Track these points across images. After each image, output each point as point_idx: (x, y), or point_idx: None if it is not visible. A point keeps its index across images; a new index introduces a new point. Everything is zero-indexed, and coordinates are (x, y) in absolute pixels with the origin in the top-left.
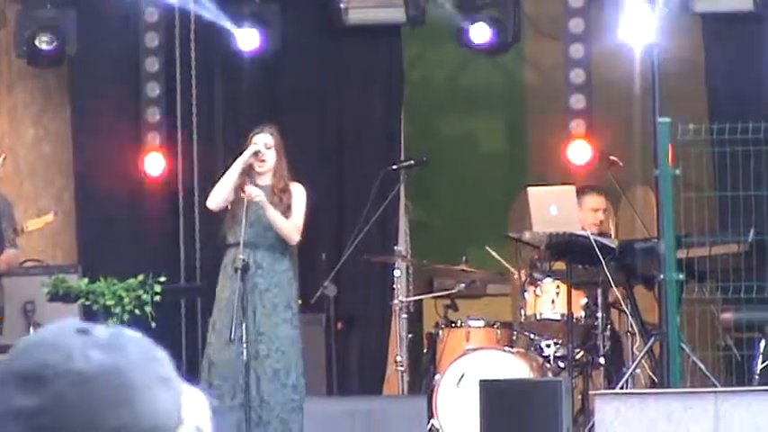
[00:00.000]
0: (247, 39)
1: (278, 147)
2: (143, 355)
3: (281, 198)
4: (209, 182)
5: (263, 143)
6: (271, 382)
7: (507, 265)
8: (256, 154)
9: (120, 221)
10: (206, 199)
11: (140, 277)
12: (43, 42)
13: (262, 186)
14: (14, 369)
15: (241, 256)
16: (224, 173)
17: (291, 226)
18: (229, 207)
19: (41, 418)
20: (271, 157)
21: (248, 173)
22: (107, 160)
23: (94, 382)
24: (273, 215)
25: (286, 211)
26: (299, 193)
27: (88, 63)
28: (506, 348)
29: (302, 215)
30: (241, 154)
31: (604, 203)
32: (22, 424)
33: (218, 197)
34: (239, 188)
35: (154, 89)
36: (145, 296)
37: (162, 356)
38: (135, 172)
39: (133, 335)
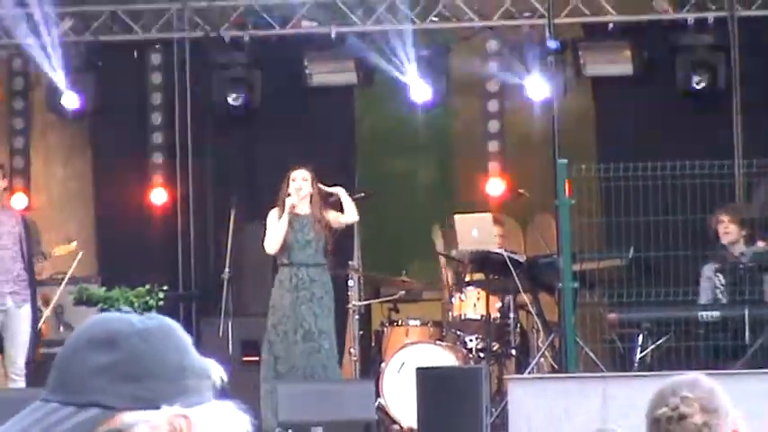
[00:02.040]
0: (234, 97)
1: (313, 180)
2: (175, 324)
3: (318, 222)
4: (202, 211)
5: (302, 178)
6: (335, 368)
7: (442, 253)
8: (293, 207)
9: (131, 242)
10: (199, 224)
11: (147, 287)
12: (67, 102)
13: (301, 215)
14: (87, 338)
15: (227, 269)
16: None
17: (353, 213)
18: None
19: (122, 368)
20: (307, 188)
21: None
22: (121, 194)
23: (157, 336)
24: (349, 203)
25: (320, 233)
26: (335, 216)
27: (105, 117)
28: (438, 342)
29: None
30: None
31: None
32: (105, 376)
33: (275, 244)
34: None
35: (158, 138)
36: (151, 301)
37: None
38: (143, 203)
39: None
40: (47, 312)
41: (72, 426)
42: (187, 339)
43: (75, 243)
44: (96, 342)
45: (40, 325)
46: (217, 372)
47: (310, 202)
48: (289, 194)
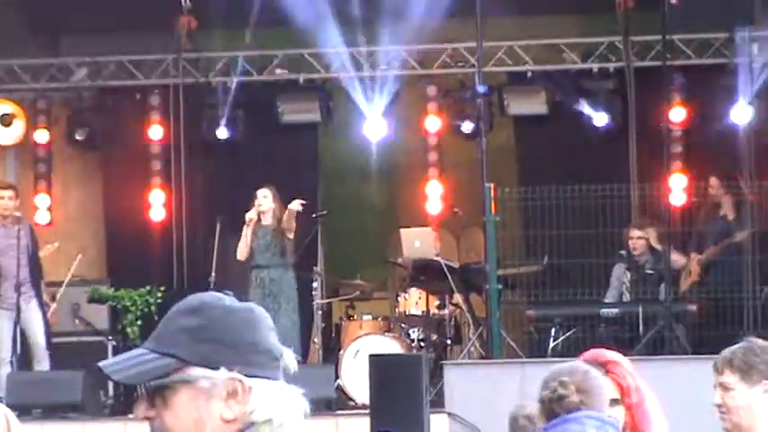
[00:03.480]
0: (222, 132)
1: (274, 196)
2: (262, 311)
3: (278, 231)
4: (193, 225)
5: (263, 195)
6: None
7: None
8: (250, 220)
9: (135, 251)
10: (190, 237)
11: (148, 288)
12: (81, 135)
13: (265, 225)
14: (183, 307)
15: (213, 274)
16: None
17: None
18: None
19: (200, 332)
20: (268, 204)
21: (258, 218)
22: (126, 211)
23: (236, 313)
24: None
25: (281, 241)
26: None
27: (113, 148)
28: (386, 334)
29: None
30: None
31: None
32: (186, 335)
33: (243, 252)
34: (251, 237)
35: (157, 165)
36: (151, 300)
37: None
38: (144, 219)
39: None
40: (53, 307)
41: (151, 367)
42: (269, 324)
43: (56, 244)
44: (188, 308)
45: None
46: (291, 359)
47: (272, 213)
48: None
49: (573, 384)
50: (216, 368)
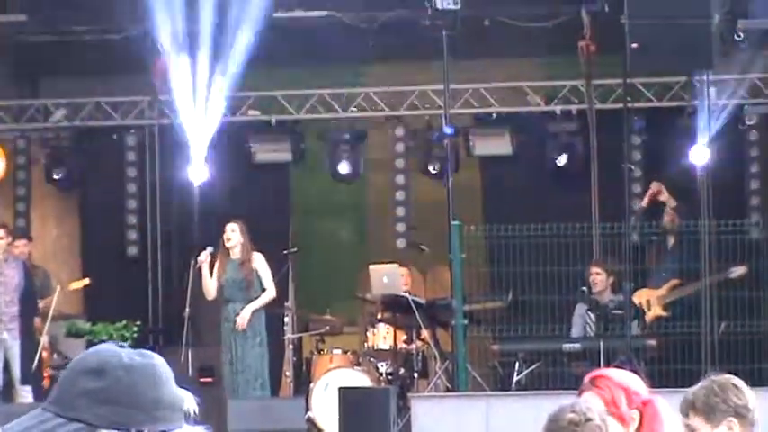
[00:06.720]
0: (197, 173)
1: (242, 230)
2: (160, 361)
3: (245, 264)
4: (167, 262)
5: (231, 229)
6: (247, 384)
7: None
8: (203, 261)
9: (111, 287)
10: (165, 273)
11: (124, 322)
12: (60, 174)
13: (233, 259)
14: (82, 367)
15: (187, 309)
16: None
17: (268, 297)
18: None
19: (104, 394)
20: (236, 238)
21: (226, 253)
22: (102, 248)
23: (139, 372)
24: (257, 306)
25: (248, 274)
26: (261, 261)
27: (90, 187)
28: (356, 367)
29: (270, 277)
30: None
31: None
32: (89, 398)
33: (210, 291)
34: (219, 272)
35: (132, 204)
36: (127, 334)
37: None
38: (120, 256)
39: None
40: (43, 341)
41: None
42: (168, 375)
43: (87, 280)
44: (88, 369)
45: (39, 352)
46: (190, 402)
47: (239, 247)
48: (223, 244)
49: (597, 413)
50: (125, 430)
